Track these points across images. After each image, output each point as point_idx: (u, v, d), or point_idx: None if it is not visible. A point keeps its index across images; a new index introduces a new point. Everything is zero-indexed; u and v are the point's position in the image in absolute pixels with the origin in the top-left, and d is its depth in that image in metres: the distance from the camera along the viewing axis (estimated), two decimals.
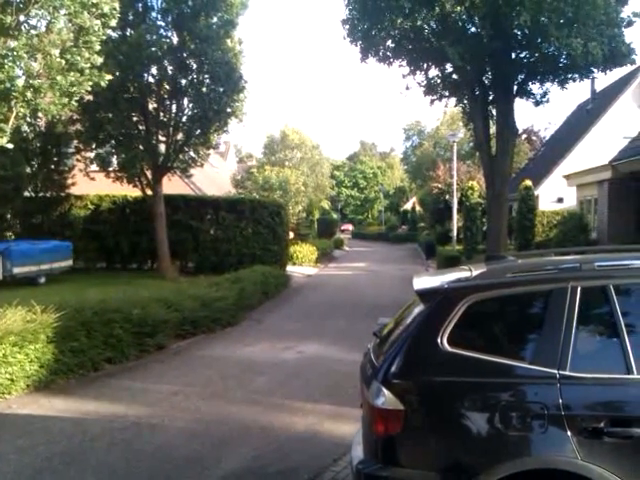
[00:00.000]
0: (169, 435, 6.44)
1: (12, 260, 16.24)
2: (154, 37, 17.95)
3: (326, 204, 53.81)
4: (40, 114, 12.11)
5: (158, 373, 9.19)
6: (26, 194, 21.03)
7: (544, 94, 19.05)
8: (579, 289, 3.44)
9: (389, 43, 17.97)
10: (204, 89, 19.35)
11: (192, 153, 20.70)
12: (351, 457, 4.04)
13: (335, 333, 12.29)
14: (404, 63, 18.82)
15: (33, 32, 10.32)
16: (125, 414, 7.10)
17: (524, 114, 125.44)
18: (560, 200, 28.47)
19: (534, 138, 46.48)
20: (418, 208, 60.28)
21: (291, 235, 29.66)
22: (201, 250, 21.94)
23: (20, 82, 9.87)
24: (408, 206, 71.11)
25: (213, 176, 36.26)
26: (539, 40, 16.02)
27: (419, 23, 16.62)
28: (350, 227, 78.44)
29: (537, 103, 19.18)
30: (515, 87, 18.17)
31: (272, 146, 39.53)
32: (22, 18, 9.83)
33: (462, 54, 15.87)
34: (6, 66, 9.41)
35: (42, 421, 6.84)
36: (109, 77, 11.57)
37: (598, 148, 24.83)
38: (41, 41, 9.97)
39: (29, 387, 7.94)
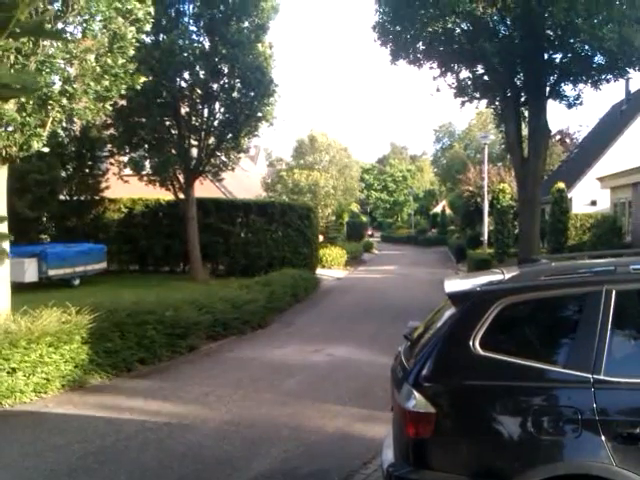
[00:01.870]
0: (200, 435, 6.50)
1: (47, 262, 16.59)
2: (186, 42, 18.17)
3: (355, 207, 53.72)
4: (75, 119, 12.31)
5: (190, 374, 9.29)
6: (61, 197, 21.42)
7: (577, 96, 18.72)
8: (614, 292, 3.39)
9: (419, 45, 17.90)
10: (235, 94, 19.51)
11: (223, 157, 20.89)
12: (382, 460, 4.04)
13: (364, 336, 12.27)
14: (435, 65, 18.73)
15: (69, 38, 10.54)
16: (157, 414, 7.20)
17: (557, 115, 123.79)
18: (594, 203, 28.01)
19: (567, 140, 45.81)
20: (448, 211, 59.89)
21: (320, 238, 29.70)
22: (232, 253, 22.11)
23: (56, 88, 10.08)
24: (438, 209, 70.64)
25: (243, 180, 36.51)
26: (572, 40, 15.80)
27: (450, 26, 16.55)
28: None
29: (570, 105, 18.86)
30: (548, 89, 17.93)
31: (301, 150, 39.64)
32: (60, 25, 10.04)
33: (496, 52, 15.69)
34: (44, 72, 9.62)
35: (77, 420, 6.98)
36: (143, 79, 11.73)
37: (632, 150, 24.42)
38: (77, 47, 10.17)
39: (64, 387, 8.10)
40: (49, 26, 8.78)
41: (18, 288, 15.10)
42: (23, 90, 1.70)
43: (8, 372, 7.42)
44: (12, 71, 8.18)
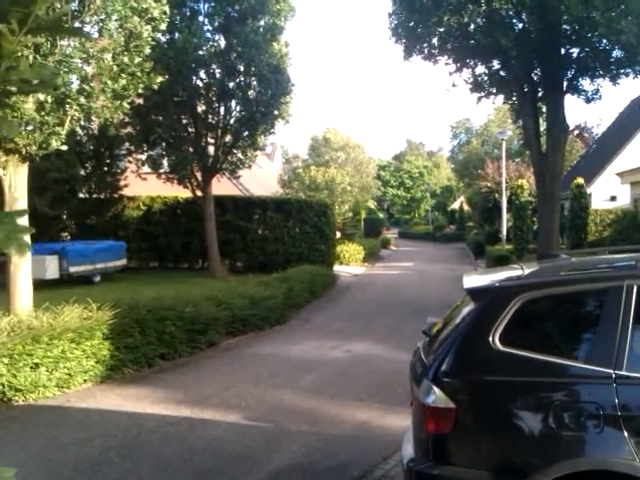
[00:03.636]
0: (220, 430, 6.56)
1: (68, 259, 16.78)
2: (201, 41, 18.19)
3: (372, 204, 53.59)
4: (93, 117, 12.41)
5: (209, 369, 9.37)
6: (81, 195, 21.64)
7: (596, 91, 18.48)
8: (635, 288, 3.37)
9: (434, 41, 17.80)
10: (252, 92, 19.52)
11: (240, 155, 20.91)
12: (401, 455, 4.06)
13: (383, 332, 12.27)
14: (450, 60, 18.59)
15: (87, 37, 10.61)
16: (178, 409, 7.26)
17: (576, 110, 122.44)
18: (613, 198, 27.74)
19: (586, 135, 45.35)
20: (466, 207, 59.51)
21: (338, 235, 29.69)
22: (249, 250, 22.19)
23: (74, 87, 10.17)
24: (455, 205, 70.26)
25: (260, 177, 36.58)
26: (589, 34, 15.60)
27: (466, 20, 16.43)
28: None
29: (588, 100, 18.63)
30: (565, 83, 17.74)
31: (317, 147, 39.64)
32: (77, 25, 10.11)
33: (513, 46, 15.55)
34: (61, 72, 9.72)
35: (99, 414, 7.07)
36: (160, 78, 11.79)
37: None
38: (94, 46, 10.25)
39: (86, 382, 8.21)
40: (67, 25, 8.85)
41: (39, 285, 15.35)
42: (42, 85, 1.72)
43: (31, 367, 7.53)
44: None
